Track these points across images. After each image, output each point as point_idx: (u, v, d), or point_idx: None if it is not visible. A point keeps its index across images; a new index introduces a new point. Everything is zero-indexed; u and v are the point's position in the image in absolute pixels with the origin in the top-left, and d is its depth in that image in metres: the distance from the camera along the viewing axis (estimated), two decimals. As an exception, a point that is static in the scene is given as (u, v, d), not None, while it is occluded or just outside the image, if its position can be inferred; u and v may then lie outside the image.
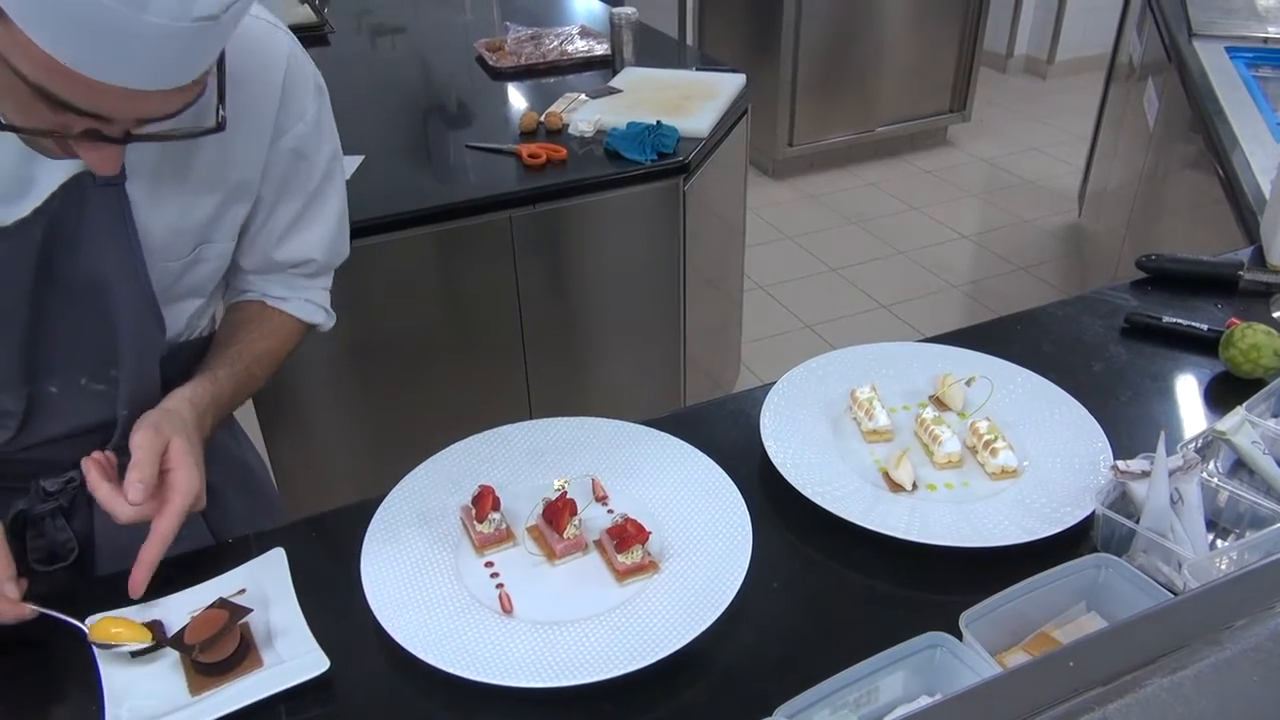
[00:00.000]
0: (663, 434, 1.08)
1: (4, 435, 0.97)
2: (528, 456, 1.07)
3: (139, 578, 0.86)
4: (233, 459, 1.21)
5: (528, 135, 2.10)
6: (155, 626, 0.86)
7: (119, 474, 0.87)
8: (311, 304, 1.12)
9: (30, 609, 0.84)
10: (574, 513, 0.94)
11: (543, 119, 2.13)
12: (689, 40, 4.56)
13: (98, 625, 0.84)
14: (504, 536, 0.96)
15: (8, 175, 0.83)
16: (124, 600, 0.87)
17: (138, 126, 0.75)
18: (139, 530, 0.87)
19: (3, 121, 0.72)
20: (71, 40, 0.65)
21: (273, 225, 1.03)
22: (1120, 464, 0.92)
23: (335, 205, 1.07)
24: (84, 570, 1.05)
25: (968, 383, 1.13)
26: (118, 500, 0.84)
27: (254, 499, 1.23)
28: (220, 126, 0.79)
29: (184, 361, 1.04)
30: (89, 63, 0.67)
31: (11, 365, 0.93)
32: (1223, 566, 0.84)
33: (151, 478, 0.85)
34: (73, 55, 0.66)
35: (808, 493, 0.98)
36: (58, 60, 0.66)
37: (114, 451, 0.92)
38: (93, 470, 0.86)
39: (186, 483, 0.87)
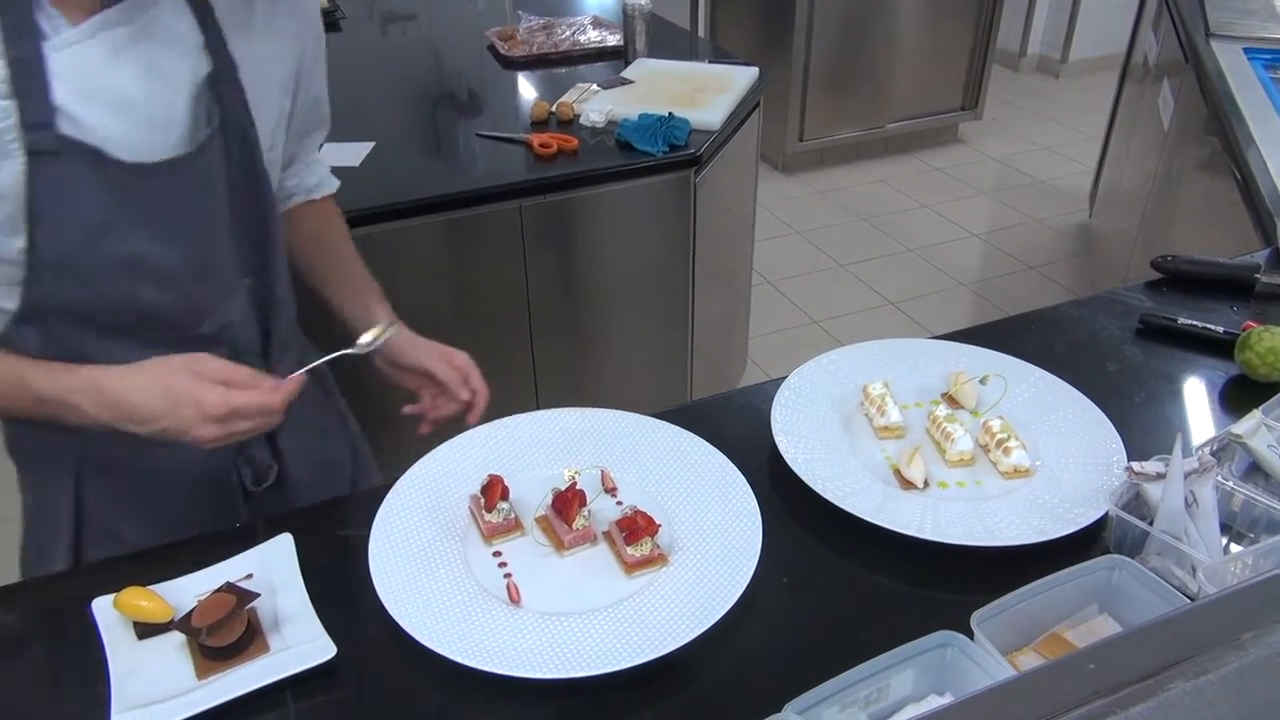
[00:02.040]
0: (673, 427, 1.07)
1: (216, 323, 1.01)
2: (537, 446, 1.06)
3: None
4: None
5: (539, 125, 2.10)
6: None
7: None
8: (327, 175, 1.20)
9: (300, 375, 0.93)
10: (583, 503, 0.94)
11: (554, 109, 2.12)
12: (700, 33, 4.54)
13: (123, 595, 0.84)
14: (512, 526, 0.95)
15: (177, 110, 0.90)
16: (132, 582, 0.87)
17: None
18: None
19: None
20: None
21: (304, 97, 1.07)
22: (1135, 465, 0.92)
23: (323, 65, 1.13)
24: (284, 493, 1.13)
25: (981, 381, 1.12)
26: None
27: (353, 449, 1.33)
28: None
29: None
30: None
31: (226, 257, 0.99)
32: (1237, 571, 0.84)
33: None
34: None
35: (818, 488, 0.98)
36: None
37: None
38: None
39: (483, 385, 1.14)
